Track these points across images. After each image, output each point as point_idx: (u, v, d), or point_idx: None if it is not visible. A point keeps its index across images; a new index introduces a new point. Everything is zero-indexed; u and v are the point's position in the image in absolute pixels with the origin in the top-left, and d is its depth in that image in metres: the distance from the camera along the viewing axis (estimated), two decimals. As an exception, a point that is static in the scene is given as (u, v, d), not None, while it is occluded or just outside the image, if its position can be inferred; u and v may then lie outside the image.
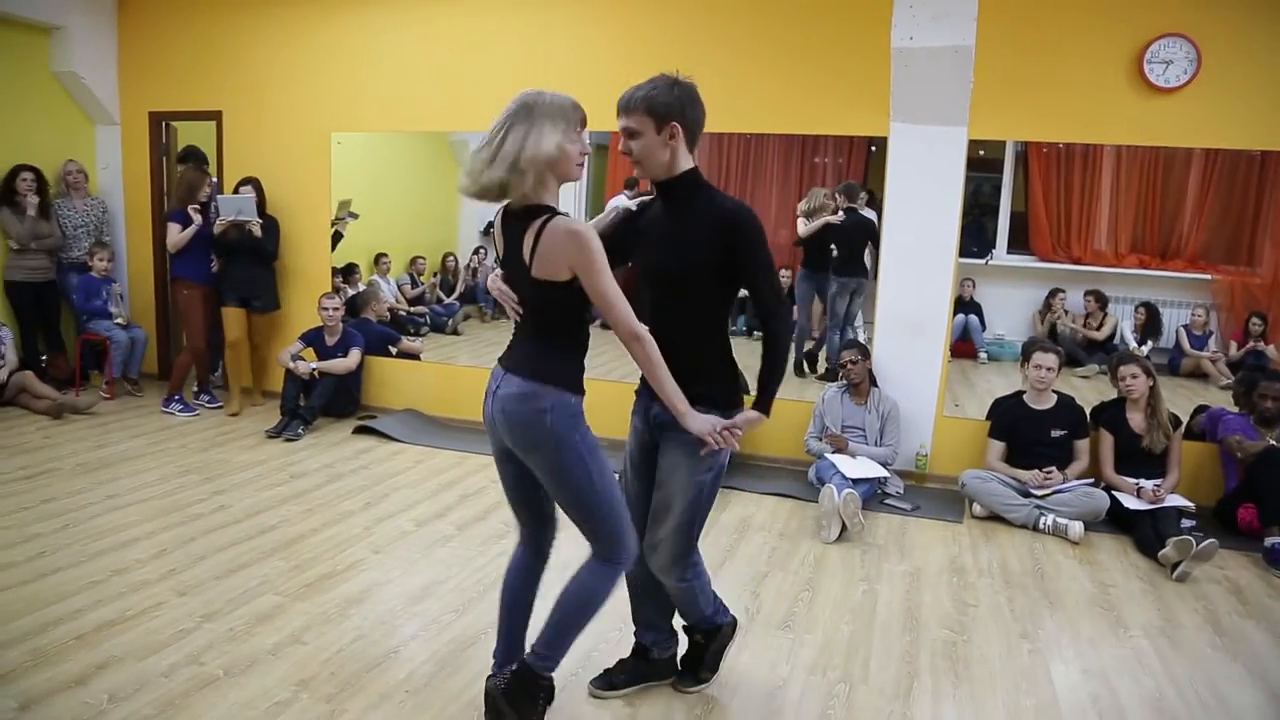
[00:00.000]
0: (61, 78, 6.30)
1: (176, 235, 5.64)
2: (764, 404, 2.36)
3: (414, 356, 6.31)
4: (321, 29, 5.93)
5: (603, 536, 2.32)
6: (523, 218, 2.18)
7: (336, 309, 5.68)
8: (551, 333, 2.26)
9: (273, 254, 5.88)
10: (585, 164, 2.24)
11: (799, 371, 6.19)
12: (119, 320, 6.11)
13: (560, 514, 2.42)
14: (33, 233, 5.92)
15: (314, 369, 5.58)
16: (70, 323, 6.34)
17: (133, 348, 6.17)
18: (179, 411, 5.82)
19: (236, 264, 5.76)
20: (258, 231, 5.66)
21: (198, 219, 5.66)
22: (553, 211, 2.16)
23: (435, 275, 7.27)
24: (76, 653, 2.78)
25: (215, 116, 6.32)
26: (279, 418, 5.53)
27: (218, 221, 5.57)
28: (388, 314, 6.65)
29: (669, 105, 2.24)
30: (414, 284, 7.15)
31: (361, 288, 6.62)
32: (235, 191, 5.82)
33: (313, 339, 5.73)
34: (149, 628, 2.97)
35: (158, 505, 4.14)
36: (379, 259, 6.89)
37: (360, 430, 5.58)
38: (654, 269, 2.40)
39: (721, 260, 2.28)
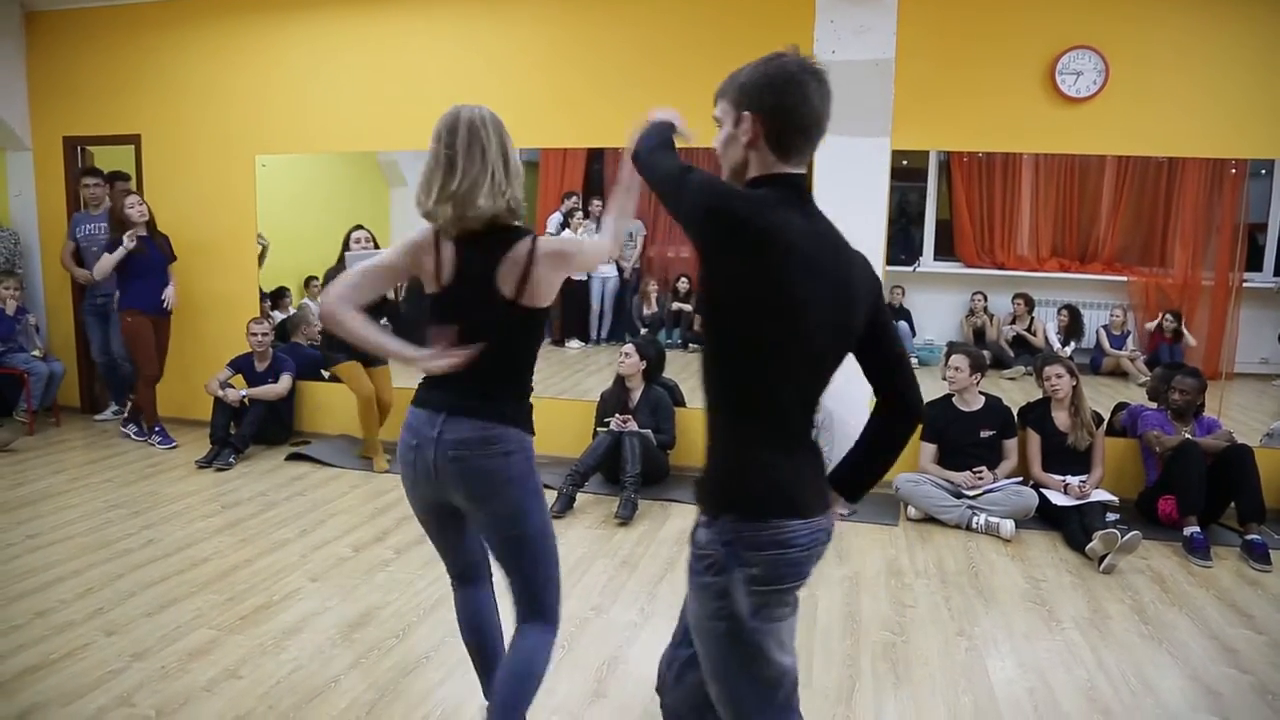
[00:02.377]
0: (-32, 103, 6.08)
1: (106, 263, 5.37)
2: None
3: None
4: (243, 49, 5.83)
5: (548, 595, 2.14)
6: (496, 241, 2.03)
7: (266, 334, 5.56)
8: (515, 368, 2.09)
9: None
10: None
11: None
12: (35, 353, 5.89)
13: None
14: (-60, 265, 5.69)
15: (244, 396, 5.45)
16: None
17: (51, 380, 5.95)
18: (158, 444, 5.66)
19: None
20: None
21: (129, 243, 5.35)
22: (530, 232, 2.06)
23: (367, 297, 7.16)
24: (-3, 700, 2.67)
25: (134, 140, 6.15)
26: (208, 447, 5.39)
27: None
28: (319, 337, 6.53)
29: (744, 88, 1.64)
30: (346, 306, 7.02)
31: (292, 311, 6.50)
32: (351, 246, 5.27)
33: (242, 365, 5.61)
34: (75, 670, 2.86)
35: (83, 542, 4.00)
36: (309, 282, 6.77)
37: (293, 457, 5.47)
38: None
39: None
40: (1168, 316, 6.11)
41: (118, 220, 5.43)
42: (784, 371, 1.57)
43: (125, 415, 5.92)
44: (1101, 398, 5.49)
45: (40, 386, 5.85)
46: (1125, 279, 6.45)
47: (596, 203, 6.84)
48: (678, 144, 1.91)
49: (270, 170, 5.96)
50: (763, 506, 1.56)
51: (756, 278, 1.52)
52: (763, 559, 1.55)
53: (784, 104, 1.59)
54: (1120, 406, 5.07)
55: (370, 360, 5.38)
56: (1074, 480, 4.43)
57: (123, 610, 3.31)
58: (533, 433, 2.11)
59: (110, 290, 5.75)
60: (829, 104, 1.61)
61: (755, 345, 1.56)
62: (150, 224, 5.57)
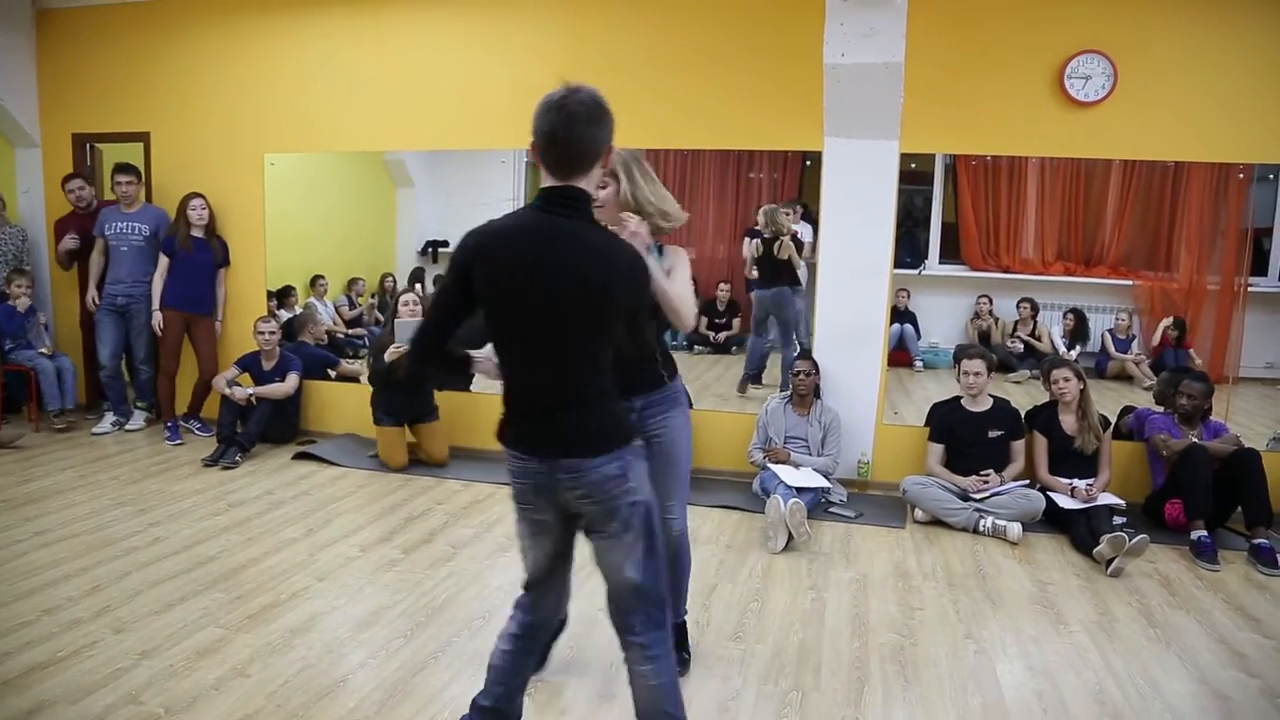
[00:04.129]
0: (-23, 100, 6.09)
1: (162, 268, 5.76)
2: None
3: (353, 379, 6.21)
4: (252, 47, 5.84)
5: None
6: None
7: (273, 333, 5.57)
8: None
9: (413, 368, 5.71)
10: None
11: (742, 388, 6.23)
12: (44, 350, 5.90)
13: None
14: (-51, 261, 5.71)
15: (251, 394, 5.46)
16: (-9, 354, 6.10)
17: (60, 378, 5.95)
18: (197, 430, 5.86)
19: (394, 389, 5.25)
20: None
21: (70, 243, 5.80)
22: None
23: (373, 296, 7.17)
24: (4, 699, 2.66)
25: (143, 138, 6.16)
26: (215, 445, 5.40)
27: (392, 349, 5.06)
28: (325, 336, 6.55)
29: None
30: (351, 305, 7.05)
31: (298, 310, 6.51)
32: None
33: (249, 364, 5.62)
34: (83, 668, 2.86)
35: (89, 540, 4.00)
36: (315, 281, 6.78)
37: (300, 456, 5.47)
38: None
39: None
40: (1170, 324, 6.11)
41: (182, 219, 5.72)
42: (508, 353, 2.05)
43: (176, 420, 5.92)
44: (1107, 401, 5.48)
45: (50, 384, 5.84)
46: (1130, 283, 6.45)
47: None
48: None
49: (278, 169, 5.97)
50: (501, 441, 2.12)
51: (480, 287, 2.00)
52: (510, 476, 2.14)
53: (537, 129, 1.99)
54: (1127, 410, 5.07)
55: (420, 418, 5.40)
56: (1081, 484, 4.43)
57: (130, 608, 3.32)
58: None
59: (134, 290, 5.80)
60: (562, 126, 1.96)
61: (495, 336, 2.06)
62: (208, 227, 5.77)
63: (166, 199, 5.91)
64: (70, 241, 5.92)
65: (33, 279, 6.03)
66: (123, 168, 5.81)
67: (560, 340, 1.98)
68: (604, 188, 2.44)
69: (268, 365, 5.60)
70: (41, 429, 5.87)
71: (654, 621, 2.14)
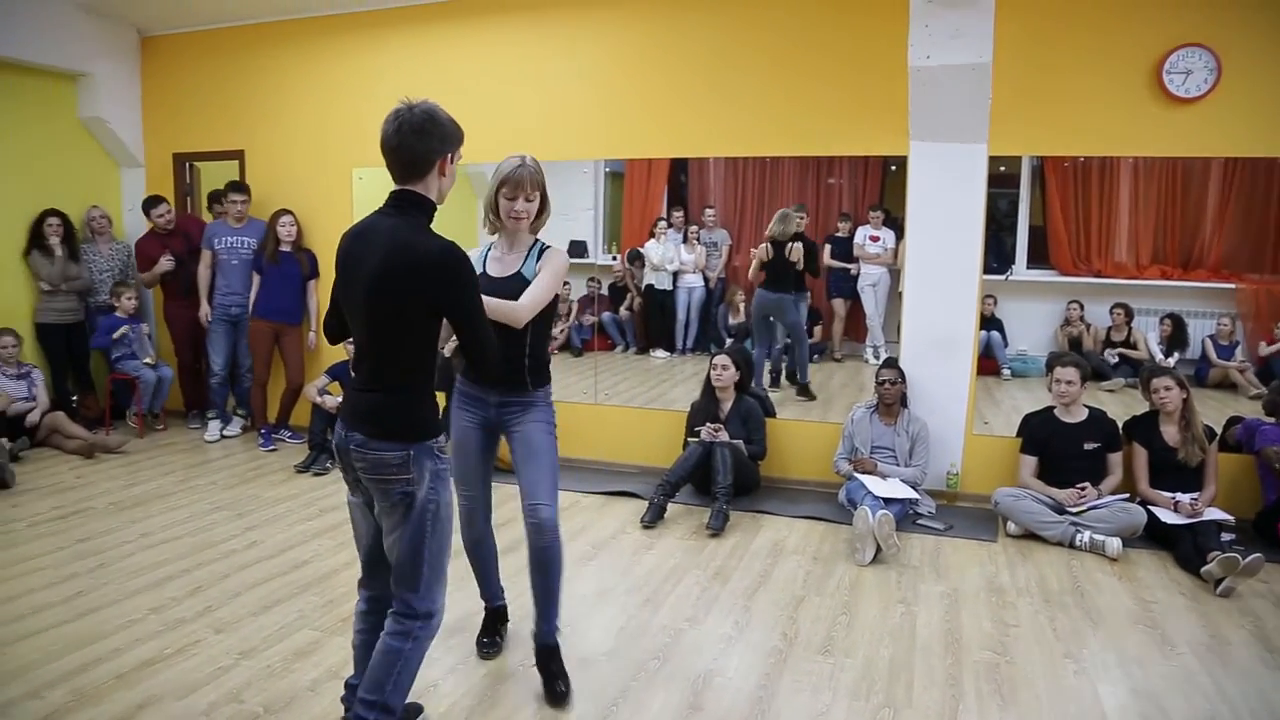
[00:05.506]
0: (88, 123, 6.41)
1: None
2: None
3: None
4: (340, 66, 6.02)
5: None
6: None
7: (361, 343, 5.70)
8: None
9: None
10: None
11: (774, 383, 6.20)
12: (147, 360, 6.17)
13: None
14: (63, 274, 6.01)
15: (340, 403, 5.60)
16: (100, 363, 6.40)
17: (159, 386, 6.22)
18: (288, 438, 6.12)
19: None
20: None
21: (166, 263, 6.17)
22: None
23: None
24: (117, 692, 2.78)
25: (238, 155, 6.41)
26: (307, 452, 5.55)
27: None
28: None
29: None
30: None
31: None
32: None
33: (339, 373, 5.75)
34: (187, 666, 2.97)
35: (191, 542, 4.16)
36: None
37: (387, 463, 5.58)
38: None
39: None
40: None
41: (272, 234, 5.96)
42: (353, 335, 2.31)
43: (269, 427, 6.14)
44: (1209, 410, 5.24)
45: (149, 392, 6.12)
46: (1233, 286, 6.16)
47: (677, 214, 6.86)
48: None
49: (365, 183, 6.12)
50: None
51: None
52: None
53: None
54: (1234, 420, 4.83)
55: None
56: (1185, 498, 4.24)
57: (230, 609, 3.43)
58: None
59: (245, 301, 6.05)
60: (391, 136, 2.29)
61: None
62: (296, 241, 5.98)
63: (260, 213, 6.13)
64: (168, 264, 6.16)
65: (137, 291, 6.31)
66: (236, 186, 6.07)
67: (371, 328, 2.20)
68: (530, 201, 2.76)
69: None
70: (145, 435, 6.13)
71: (404, 601, 2.33)
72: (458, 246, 2.18)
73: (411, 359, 2.21)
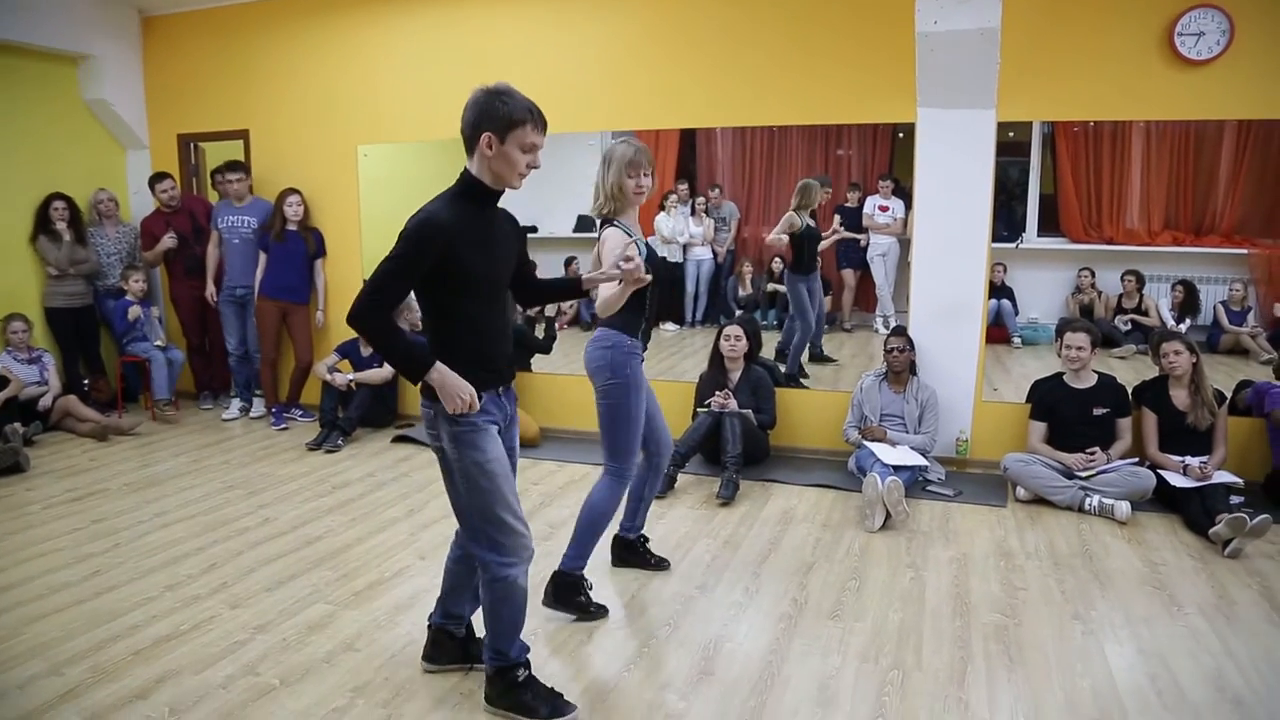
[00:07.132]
0: (92, 105, 6.41)
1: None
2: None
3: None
4: (343, 43, 6.00)
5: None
6: None
7: (370, 320, 5.71)
8: None
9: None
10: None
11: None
12: (157, 343, 6.20)
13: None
14: (70, 258, 6.04)
15: (350, 380, 5.63)
16: (110, 346, 6.44)
17: (170, 368, 6.27)
18: (299, 416, 6.15)
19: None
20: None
21: (169, 241, 6.24)
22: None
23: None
24: (136, 668, 2.82)
25: (242, 135, 6.40)
26: (318, 430, 5.59)
27: None
28: (420, 323, 6.69)
29: None
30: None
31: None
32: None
33: (348, 350, 5.79)
34: (204, 641, 3.01)
35: (205, 521, 4.20)
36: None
37: (399, 439, 5.63)
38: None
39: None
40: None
41: (278, 213, 5.96)
42: None
43: (280, 405, 6.17)
44: (1220, 376, 5.23)
45: (161, 375, 6.16)
46: (1246, 251, 6.12)
47: (683, 186, 6.84)
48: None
49: (370, 160, 6.12)
50: None
51: None
52: None
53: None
54: (1244, 384, 4.81)
55: None
56: (1194, 461, 4.23)
57: (244, 585, 3.47)
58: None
59: (248, 281, 6.07)
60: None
61: None
62: (302, 220, 5.99)
63: (266, 192, 6.14)
64: (170, 240, 6.20)
65: (146, 274, 6.34)
66: (233, 165, 6.07)
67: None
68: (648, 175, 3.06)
69: (366, 352, 5.75)
70: (157, 417, 6.18)
71: (468, 534, 2.50)
72: (429, 217, 2.30)
73: (425, 322, 2.45)
